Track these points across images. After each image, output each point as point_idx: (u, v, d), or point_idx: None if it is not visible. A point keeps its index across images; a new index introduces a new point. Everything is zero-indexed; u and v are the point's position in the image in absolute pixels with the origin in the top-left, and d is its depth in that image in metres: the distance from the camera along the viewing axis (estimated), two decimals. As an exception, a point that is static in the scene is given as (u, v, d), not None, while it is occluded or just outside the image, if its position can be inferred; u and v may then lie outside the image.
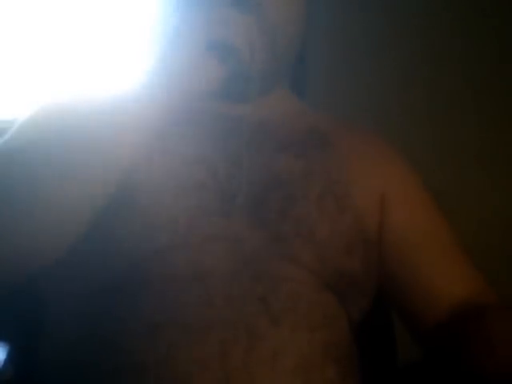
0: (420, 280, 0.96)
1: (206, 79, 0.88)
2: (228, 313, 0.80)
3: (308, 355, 0.81)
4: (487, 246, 1.73)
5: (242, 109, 0.94)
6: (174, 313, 0.79)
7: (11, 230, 0.80)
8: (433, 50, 1.86)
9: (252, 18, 0.88)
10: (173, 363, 0.77)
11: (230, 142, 0.92)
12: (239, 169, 0.90)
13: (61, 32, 1.80)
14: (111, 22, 1.79)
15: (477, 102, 1.86)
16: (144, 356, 0.78)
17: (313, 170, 0.93)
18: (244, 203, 0.88)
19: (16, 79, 1.81)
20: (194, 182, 0.87)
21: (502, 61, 1.87)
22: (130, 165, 0.85)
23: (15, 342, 1.00)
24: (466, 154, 1.86)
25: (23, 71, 1.80)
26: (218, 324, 0.79)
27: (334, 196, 0.92)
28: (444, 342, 0.93)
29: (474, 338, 0.89)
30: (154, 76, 0.90)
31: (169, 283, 0.81)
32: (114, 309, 0.81)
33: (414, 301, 0.96)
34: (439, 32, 1.85)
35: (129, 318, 0.80)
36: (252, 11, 0.88)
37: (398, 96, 1.84)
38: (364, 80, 1.83)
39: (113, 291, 0.82)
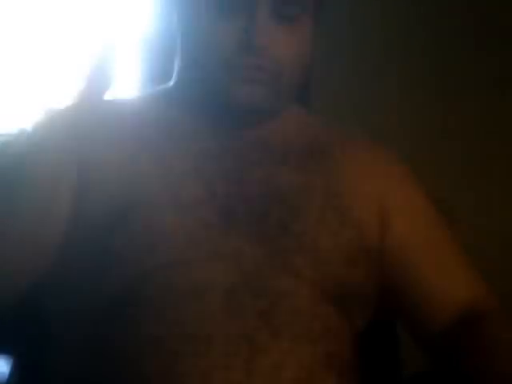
0: (423, 286, 0.96)
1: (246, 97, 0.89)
2: (229, 326, 0.81)
3: (309, 367, 0.82)
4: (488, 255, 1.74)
5: (241, 131, 0.95)
6: (175, 326, 0.81)
7: None
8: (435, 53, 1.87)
9: (289, 32, 0.90)
10: (175, 374, 0.78)
11: (229, 157, 0.92)
12: (238, 184, 0.90)
13: (68, 44, 1.80)
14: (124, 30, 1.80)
15: (479, 108, 1.87)
16: (146, 367, 0.79)
17: (313, 184, 0.93)
18: (243, 218, 0.88)
19: (18, 92, 1.81)
20: (192, 198, 0.87)
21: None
22: (129, 182, 0.87)
23: (20, 355, 1.00)
24: (468, 160, 1.87)
25: (25, 84, 1.81)
26: (220, 337, 0.80)
27: (334, 209, 0.92)
28: (446, 348, 0.94)
29: (474, 346, 0.91)
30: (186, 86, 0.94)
31: (168, 298, 0.82)
32: (115, 322, 0.83)
33: (418, 307, 0.96)
34: (441, 36, 1.87)
35: (130, 332, 0.81)
36: (290, 25, 0.90)
37: (401, 103, 1.85)
38: (367, 87, 1.83)
39: (115, 306, 0.83)
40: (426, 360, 0.98)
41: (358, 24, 1.84)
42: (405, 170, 1.03)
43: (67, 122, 0.86)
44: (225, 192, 0.89)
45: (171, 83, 1.00)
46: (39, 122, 0.88)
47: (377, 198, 0.97)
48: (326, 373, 0.83)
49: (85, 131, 0.86)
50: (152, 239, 0.84)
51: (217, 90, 0.90)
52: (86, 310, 0.85)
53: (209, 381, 0.78)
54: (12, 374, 0.97)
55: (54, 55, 1.78)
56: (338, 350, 0.86)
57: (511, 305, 0.95)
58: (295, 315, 0.84)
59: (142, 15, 1.75)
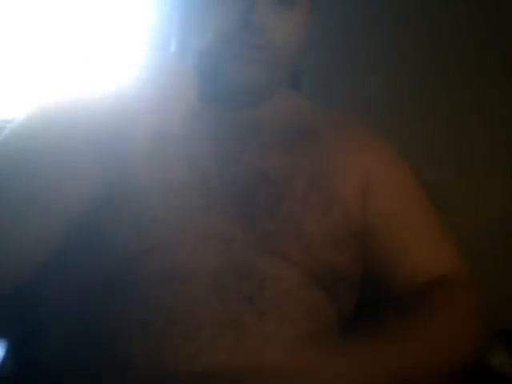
0: (396, 254, 0.98)
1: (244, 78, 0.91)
2: (216, 310, 0.81)
3: (293, 347, 0.82)
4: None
5: (234, 112, 0.96)
6: (162, 310, 0.81)
7: None
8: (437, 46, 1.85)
9: (288, 14, 0.92)
10: (163, 358, 0.79)
11: (218, 141, 0.94)
12: (226, 167, 0.92)
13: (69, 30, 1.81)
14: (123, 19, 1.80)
15: (483, 103, 1.86)
16: (134, 351, 0.80)
17: (300, 166, 0.94)
18: (230, 202, 0.89)
19: (16, 77, 1.82)
20: (179, 182, 0.88)
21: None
22: (117, 167, 0.86)
23: (15, 338, 1.01)
24: (475, 154, 1.86)
25: (22, 70, 1.81)
26: (207, 320, 0.81)
27: (320, 190, 0.93)
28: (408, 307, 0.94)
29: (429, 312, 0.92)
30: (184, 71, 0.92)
31: (156, 282, 0.83)
32: (104, 306, 0.83)
33: (389, 273, 0.98)
34: (444, 32, 1.84)
35: (119, 316, 0.82)
36: (289, 8, 0.92)
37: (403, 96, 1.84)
38: (366, 79, 1.82)
39: (104, 289, 0.84)
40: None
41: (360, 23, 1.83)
42: (389, 145, 1.05)
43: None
44: (212, 176, 0.90)
45: None
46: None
47: (361, 172, 0.99)
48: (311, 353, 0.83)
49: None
50: (139, 223, 0.85)
51: (217, 67, 0.92)
52: (77, 295, 0.86)
53: (196, 363, 0.79)
54: (6, 357, 0.98)
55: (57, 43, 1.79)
56: (324, 332, 0.87)
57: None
58: (280, 299, 0.85)
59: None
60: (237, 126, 0.96)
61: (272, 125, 0.98)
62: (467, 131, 1.84)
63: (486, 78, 1.84)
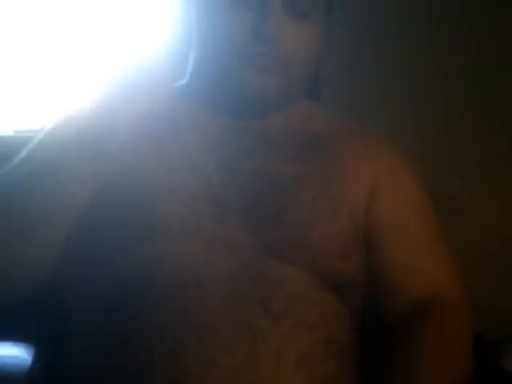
0: (391, 266, 0.96)
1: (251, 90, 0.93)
2: (230, 314, 0.82)
3: (309, 351, 0.84)
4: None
5: (243, 122, 0.98)
6: (178, 314, 0.83)
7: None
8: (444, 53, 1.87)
9: (301, 26, 0.94)
10: (180, 362, 0.80)
11: (226, 148, 0.95)
12: (233, 174, 0.93)
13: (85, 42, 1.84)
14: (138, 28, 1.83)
15: (490, 107, 1.87)
16: (152, 356, 0.81)
17: (306, 173, 0.95)
18: (237, 208, 0.90)
19: (36, 90, 1.83)
20: (188, 189, 0.90)
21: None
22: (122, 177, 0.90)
23: (41, 343, 1.03)
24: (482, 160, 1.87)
25: (44, 82, 1.84)
26: (221, 324, 0.82)
27: (327, 197, 0.93)
28: (396, 329, 0.94)
29: (417, 336, 0.91)
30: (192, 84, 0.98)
31: (170, 287, 0.84)
32: (123, 312, 0.85)
33: (382, 286, 0.97)
34: (450, 38, 1.87)
35: (137, 321, 0.84)
36: (302, 20, 0.94)
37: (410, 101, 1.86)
38: (377, 86, 1.85)
39: (122, 296, 0.86)
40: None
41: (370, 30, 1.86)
42: (398, 156, 1.05)
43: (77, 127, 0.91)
44: (219, 182, 0.92)
45: (183, 81, 1.03)
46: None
47: (367, 182, 0.99)
48: (325, 357, 0.85)
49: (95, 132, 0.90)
50: (150, 231, 0.87)
51: (231, 77, 0.93)
52: (97, 301, 0.88)
53: (213, 368, 0.80)
54: (34, 362, 1.00)
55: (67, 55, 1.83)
56: (337, 335, 0.88)
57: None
58: (293, 302, 0.85)
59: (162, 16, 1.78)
60: (242, 133, 0.97)
61: (280, 133, 0.99)
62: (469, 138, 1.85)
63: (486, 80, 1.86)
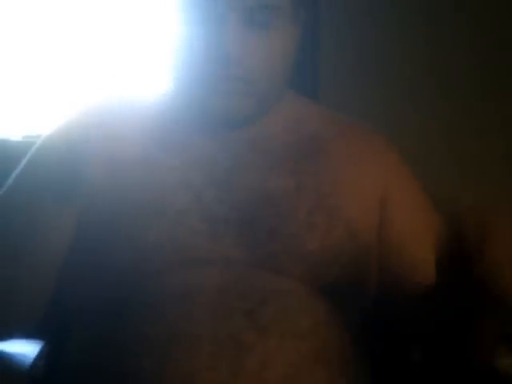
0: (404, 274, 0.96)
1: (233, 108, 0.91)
2: (215, 327, 0.83)
3: (296, 363, 0.83)
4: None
5: (236, 132, 0.96)
6: (165, 327, 0.84)
7: None
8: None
9: (263, 38, 0.90)
10: (164, 374, 0.81)
11: (217, 163, 0.94)
12: (225, 190, 0.92)
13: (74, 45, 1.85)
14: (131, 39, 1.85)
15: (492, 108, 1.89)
16: (139, 366, 0.83)
17: (304, 186, 0.93)
18: (232, 225, 0.90)
19: (41, 94, 1.85)
20: (180, 206, 0.90)
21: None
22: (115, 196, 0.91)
23: (49, 342, 1.06)
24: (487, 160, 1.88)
25: (48, 86, 1.85)
26: (205, 338, 0.82)
27: (324, 210, 0.92)
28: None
29: None
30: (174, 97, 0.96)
31: (160, 301, 0.85)
32: (115, 323, 0.87)
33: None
34: (449, 37, 1.88)
35: (127, 332, 0.86)
36: (263, 31, 0.90)
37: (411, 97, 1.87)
38: (377, 84, 1.86)
39: (114, 307, 0.88)
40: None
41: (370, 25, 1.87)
42: (401, 160, 1.04)
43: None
44: (212, 201, 0.91)
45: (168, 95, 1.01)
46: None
47: (374, 192, 0.97)
48: (313, 367, 0.84)
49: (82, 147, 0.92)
50: (141, 249, 0.88)
51: (193, 103, 0.91)
52: (93, 310, 0.90)
53: (195, 381, 0.80)
54: (36, 359, 1.03)
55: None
56: (328, 345, 0.87)
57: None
58: (282, 313, 0.85)
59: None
60: (235, 147, 0.95)
61: (273, 143, 0.97)
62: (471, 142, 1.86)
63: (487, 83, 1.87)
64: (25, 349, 1.03)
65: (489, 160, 1.87)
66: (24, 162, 0.97)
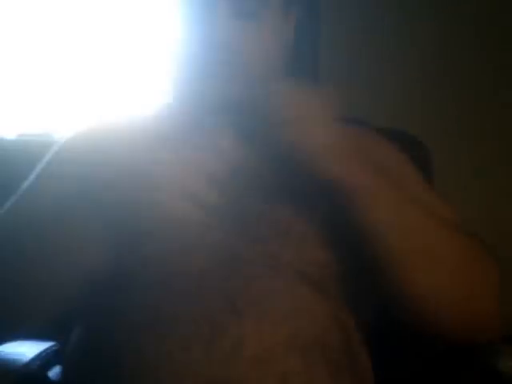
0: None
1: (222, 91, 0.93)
2: (193, 309, 0.83)
3: (271, 348, 0.83)
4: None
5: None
6: (146, 310, 0.85)
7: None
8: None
9: (251, 27, 0.94)
10: (144, 356, 0.82)
11: (213, 159, 0.96)
12: (221, 184, 0.94)
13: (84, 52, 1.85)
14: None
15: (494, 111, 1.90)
16: (123, 350, 0.84)
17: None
18: (221, 210, 0.91)
19: (49, 94, 1.86)
20: (174, 216, 0.90)
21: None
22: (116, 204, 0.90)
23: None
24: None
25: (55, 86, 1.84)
26: (182, 320, 0.83)
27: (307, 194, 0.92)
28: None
29: None
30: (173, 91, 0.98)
31: (143, 286, 0.87)
32: (102, 310, 0.89)
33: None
34: (450, 35, 1.89)
35: (114, 318, 0.87)
36: (252, 21, 0.94)
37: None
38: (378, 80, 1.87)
39: (100, 294, 0.88)
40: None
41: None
42: (405, 160, 1.05)
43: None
44: (206, 190, 0.93)
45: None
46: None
47: (363, 181, 0.93)
48: (287, 352, 0.83)
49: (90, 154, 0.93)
50: (130, 239, 0.88)
51: (194, 86, 0.94)
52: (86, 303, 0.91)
53: (170, 362, 0.81)
54: (36, 357, 1.02)
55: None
56: (306, 331, 0.86)
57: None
58: (263, 297, 0.85)
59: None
60: (230, 147, 0.97)
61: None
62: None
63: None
64: (22, 349, 1.01)
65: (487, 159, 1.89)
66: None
